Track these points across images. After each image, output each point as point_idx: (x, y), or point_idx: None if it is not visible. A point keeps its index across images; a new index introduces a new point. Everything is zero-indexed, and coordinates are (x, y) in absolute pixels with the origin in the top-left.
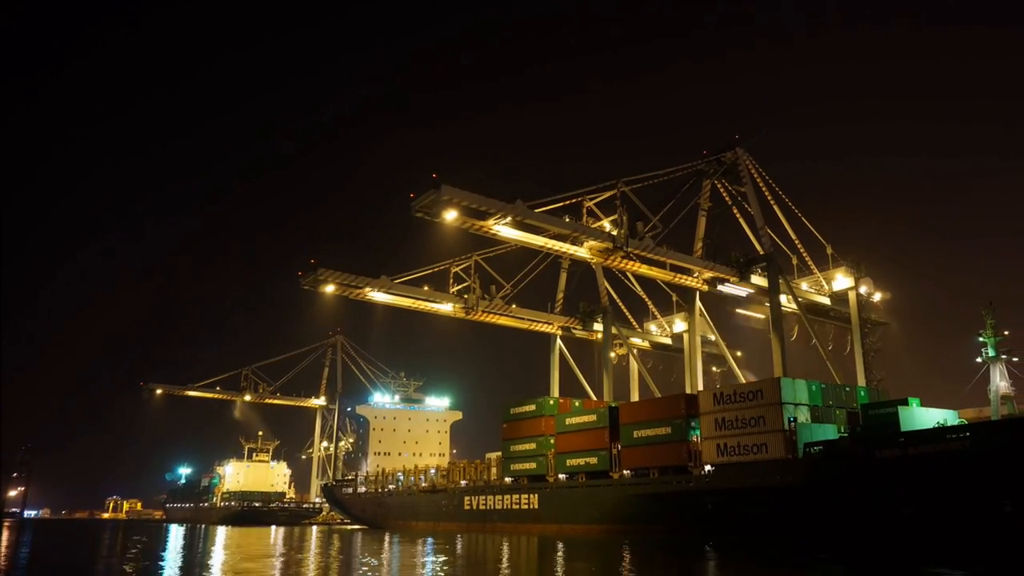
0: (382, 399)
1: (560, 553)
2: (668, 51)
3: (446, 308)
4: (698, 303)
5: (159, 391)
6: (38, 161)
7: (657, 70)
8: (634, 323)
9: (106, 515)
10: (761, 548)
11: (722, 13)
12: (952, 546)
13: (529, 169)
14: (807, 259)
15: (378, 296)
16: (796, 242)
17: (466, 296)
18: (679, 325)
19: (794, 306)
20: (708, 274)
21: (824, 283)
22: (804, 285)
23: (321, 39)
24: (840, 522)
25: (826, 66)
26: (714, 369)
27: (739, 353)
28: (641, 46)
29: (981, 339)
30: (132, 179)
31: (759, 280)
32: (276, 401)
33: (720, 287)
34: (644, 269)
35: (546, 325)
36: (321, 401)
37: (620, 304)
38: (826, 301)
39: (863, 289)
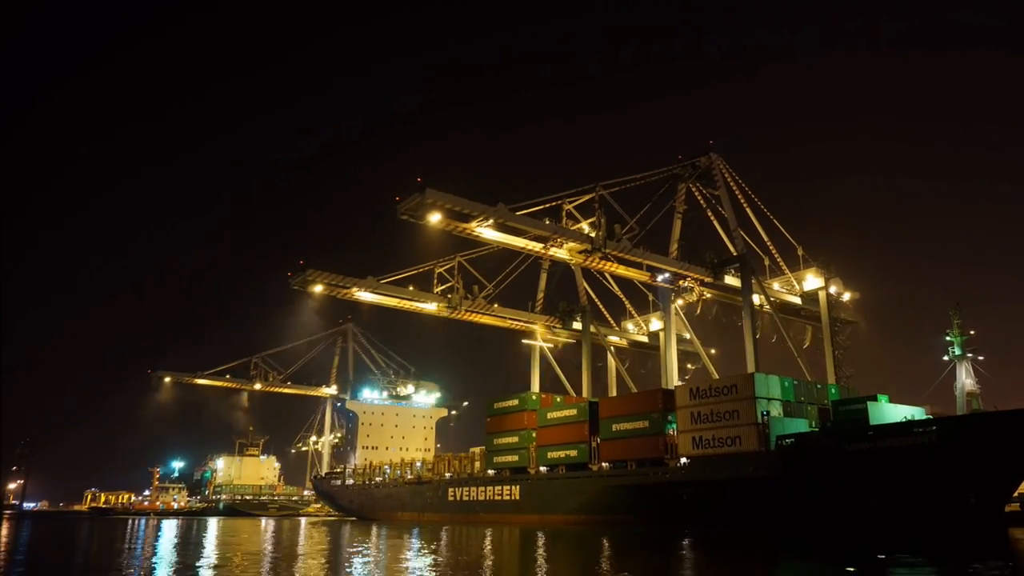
0: (371, 395)
1: (541, 547)
2: (647, 78)
3: (430, 307)
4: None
5: (167, 379)
6: (57, 168)
7: (637, 95)
8: (612, 322)
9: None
10: (738, 539)
11: (696, 41)
12: (918, 536)
13: (512, 182)
14: (779, 260)
15: (365, 296)
16: (768, 244)
17: (449, 296)
18: (655, 324)
19: (767, 305)
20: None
21: (795, 283)
22: (776, 285)
23: (320, 62)
24: (810, 513)
25: (799, 91)
26: (689, 366)
27: (713, 351)
28: (619, 74)
29: (948, 338)
30: (151, 186)
31: (732, 280)
32: (286, 390)
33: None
34: (621, 270)
35: (527, 324)
36: (332, 390)
37: (598, 303)
38: (797, 300)
39: (833, 289)
